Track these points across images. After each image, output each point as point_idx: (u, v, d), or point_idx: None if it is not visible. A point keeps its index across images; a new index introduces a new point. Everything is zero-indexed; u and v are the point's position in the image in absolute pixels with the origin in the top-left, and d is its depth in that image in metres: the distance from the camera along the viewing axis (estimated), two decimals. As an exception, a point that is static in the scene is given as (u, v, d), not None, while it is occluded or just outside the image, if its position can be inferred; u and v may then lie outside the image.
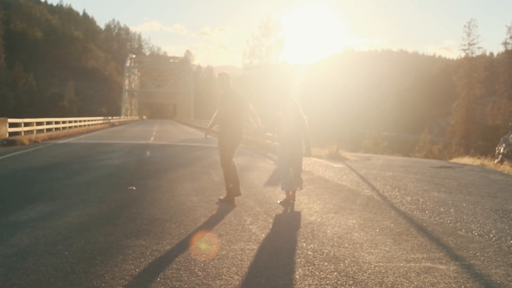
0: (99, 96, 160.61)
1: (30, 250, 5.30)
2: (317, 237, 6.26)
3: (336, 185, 11.65)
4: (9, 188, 9.61)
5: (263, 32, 61.64)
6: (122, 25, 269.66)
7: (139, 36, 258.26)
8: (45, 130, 31.80)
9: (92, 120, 52.21)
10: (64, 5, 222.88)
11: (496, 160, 26.82)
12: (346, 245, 5.94)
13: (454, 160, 30.15)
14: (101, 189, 9.64)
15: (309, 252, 5.54)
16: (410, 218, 7.86)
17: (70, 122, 40.55)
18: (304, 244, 5.90)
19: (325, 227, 6.92)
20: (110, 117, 69.74)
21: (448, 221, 7.76)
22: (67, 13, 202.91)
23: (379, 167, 17.31)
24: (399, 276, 4.80)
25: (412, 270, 5.01)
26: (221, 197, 8.79)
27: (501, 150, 28.08)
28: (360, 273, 4.86)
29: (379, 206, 8.93)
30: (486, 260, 5.52)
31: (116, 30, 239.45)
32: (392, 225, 7.25)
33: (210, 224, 6.81)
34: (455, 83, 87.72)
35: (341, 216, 7.76)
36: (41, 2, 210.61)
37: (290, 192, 9.05)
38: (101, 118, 61.06)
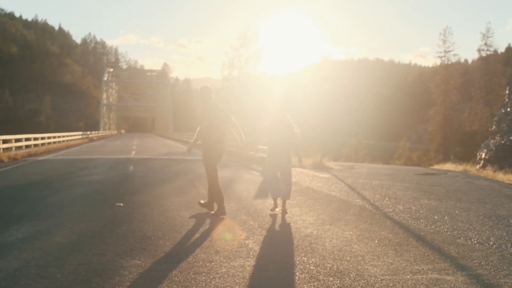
0: (76, 111, 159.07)
1: (21, 274, 5.05)
2: (317, 251, 6.10)
3: (326, 196, 11.51)
4: (-8, 208, 9.30)
5: (241, 43, 61.72)
6: (98, 39, 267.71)
7: (116, 50, 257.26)
8: (24, 147, 31.24)
9: (70, 136, 51.55)
10: (39, 20, 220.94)
11: (478, 166, 26.99)
12: (348, 258, 5.78)
13: (436, 166, 30.27)
14: (87, 207, 9.38)
15: (311, 267, 5.37)
16: (406, 228, 7.74)
17: (49, 138, 39.99)
18: (305, 258, 5.73)
19: (322, 239, 6.76)
20: (88, 132, 69.05)
21: (445, 230, 7.66)
22: (43, 28, 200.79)
23: (365, 176, 17.23)
24: (408, 290, 4.65)
25: (420, 283, 4.86)
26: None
27: (483, 156, 28.28)
28: (368, 287, 4.71)
29: (372, 216, 8.81)
30: (492, 270, 5.40)
31: (93, 44, 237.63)
32: (390, 235, 7.12)
33: (205, 240, 6.61)
34: (431, 90, 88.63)
35: (337, 228, 7.61)
36: (16, 17, 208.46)
37: (278, 200, 9.07)
38: (80, 133, 60.43)
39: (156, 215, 8.48)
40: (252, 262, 5.55)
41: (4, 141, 27.13)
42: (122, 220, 7.96)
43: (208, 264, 5.42)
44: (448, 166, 27.15)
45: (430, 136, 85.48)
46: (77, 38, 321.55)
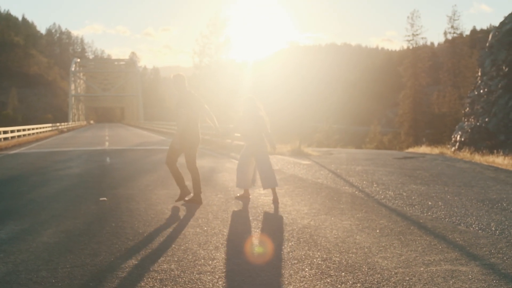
0: (44, 103, 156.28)
1: (11, 279, 4.70)
2: (320, 243, 5.86)
3: (314, 183, 11.30)
4: (-31, 206, 8.86)
5: (211, 30, 60.86)
6: (63, 29, 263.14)
7: (82, 40, 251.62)
8: (-7, 141, 30.49)
9: (40, 128, 50.56)
10: (2, 10, 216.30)
11: (453, 148, 27.13)
12: (354, 250, 5.56)
13: (411, 149, 30.42)
14: (70, 202, 8.98)
15: (319, 261, 5.13)
16: (403, 215, 7.56)
17: (18, 131, 39.11)
18: (310, 252, 5.48)
19: (323, 230, 6.53)
20: (58, 124, 67.84)
21: (442, 216, 7.51)
22: (6, 19, 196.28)
23: (346, 162, 17.10)
24: (426, 283, 4.44)
25: (437, 275, 4.66)
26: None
27: (458, 138, 28.43)
28: (384, 282, 4.48)
29: (366, 203, 8.62)
30: (505, 258, 5.23)
31: (58, 35, 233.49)
32: (390, 224, 6.93)
33: (201, 236, 6.30)
34: (400, 74, 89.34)
35: (333, 217, 7.39)
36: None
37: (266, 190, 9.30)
38: (50, 125, 59.29)
39: (144, 209, 8.16)
40: (256, 258, 5.29)
41: (-27, 136, 26.37)
42: (109, 216, 7.62)
43: (210, 262, 5.14)
44: (424, 149, 27.27)
45: (400, 120, 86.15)
46: (42, 28, 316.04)
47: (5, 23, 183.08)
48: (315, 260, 5.18)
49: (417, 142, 62.99)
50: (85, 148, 25.74)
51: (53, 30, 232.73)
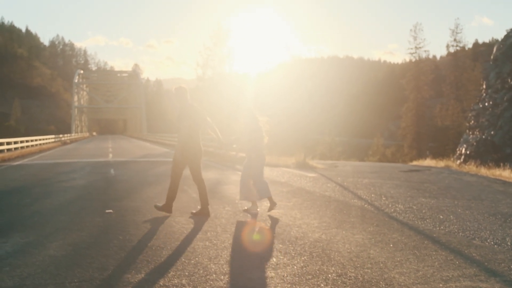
0: (47, 114, 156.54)
1: (18, 294, 4.58)
2: (333, 258, 5.71)
3: (322, 196, 11.16)
4: (-27, 218, 8.72)
5: (215, 42, 61.11)
6: (66, 40, 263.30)
7: (85, 51, 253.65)
8: (-3, 152, 30.40)
9: (43, 139, 50.53)
10: (5, 22, 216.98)
11: (458, 161, 26.96)
12: (369, 265, 5.41)
13: (416, 163, 30.26)
14: (76, 214, 8.85)
15: (334, 277, 4.97)
16: (416, 229, 7.42)
17: (21, 142, 39.05)
18: (324, 267, 5.33)
19: (335, 244, 6.38)
20: (61, 135, 67.88)
21: (455, 230, 7.36)
22: (9, 31, 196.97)
23: (352, 175, 16.96)
24: (448, 301, 4.30)
25: (457, 292, 4.52)
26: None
27: (463, 151, 28.28)
28: (404, 300, 4.34)
29: (376, 217, 8.47)
30: (526, 274, 5.09)
31: (61, 46, 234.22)
32: (403, 238, 6.78)
33: (211, 250, 6.15)
34: (402, 86, 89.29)
35: (344, 231, 7.24)
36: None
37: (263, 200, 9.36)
38: (53, 136, 59.34)
39: (151, 222, 8.03)
40: (270, 273, 5.13)
41: (-24, 147, 26.28)
42: (116, 229, 7.48)
43: (222, 277, 4.99)
44: (429, 162, 27.12)
45: (403, 132, 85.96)
46: (45, 40, 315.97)
47: (8, 35, 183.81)
48: (330, 275, 5.03)
49: (421, 155, 62.82)
50: (89, 159, 25.64)
51: (57, 42, 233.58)
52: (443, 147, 70.59)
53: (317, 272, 5.16)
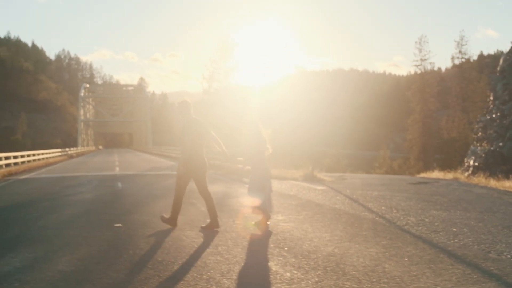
0: (53, 128, 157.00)
1: (28, 311, 4.48)
2: (348, 272, 5.59)
3: (331, 209, 11.04)
4: (-19, 233, 8.64)
5: (220, 56, 61.23)
6: (72, 54, 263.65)
7: (90, 65, 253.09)
8: (4, 166, 30.37)
9: (50, 153, 50.59)
10: (12, 37, 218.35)
11: (467, 173, 26.76)
12: (385, 279, 5.29)
13: (423, 175, 30.04)
14: (84, 228, 8.76)
15: (351, 292, 4.87)
16: (430, 242, 7.29)
17: (28, 156, 39.10)
18: (340, 282, 5.21)
19: (349, 258, 6.25)
20: (67, 149, 68.00)
21: (470, 243, 7.23)
22: (15, 45, 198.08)
23: (360, 187, 16.82)
24: (469, 317, 4.18)
25: (479, 308, 4.40)
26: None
27: (471, 163, 28.09)
28: (424, 316, 4.22)
29: (389, 230, 8.34)
30: (547, 289, 4.96)
31: (67, 60, 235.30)
32: (417, 251, 6.65)
33: (222, 265, 6.04)
34: (408, 99, 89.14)
35: (357, 245, 7.12)
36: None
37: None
38: (59, 150, 59.43)
39: (160, 236, 7.93)
40: (284, 288, 5.03)
41: (-17, 161, 26.29)
42: (125, 243, 7.39)
43: (236, 293, 4.89)
44: (437, 174, 26.92)
45: (410, 144, 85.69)
46: (51, 54, 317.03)
47: (14, 49, 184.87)
48: (346, 291, 4.92)
49: (427, 167, 62.53)
50: (96, 173, 25.59)
51: (62, 56, 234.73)
52: (449, 159, 70.29)
53: (333, 287, 5.05)
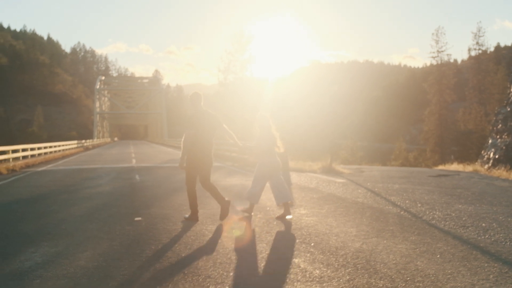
0: (68, 120, 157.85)
1: (51, 309, 4.32)
2: (380, 270, 5.38)
3: (354, 203, 10.82)
4: (0, 226, 8.51)
5: (236, 48, 60.94)
6: (87, 47, 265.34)
7: (106, 58, 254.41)
8: (21, 158, 30.43)
9: (66, 145, 50.73)
10: (27, 30, 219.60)
11: (487, 166, 26.37)
12: (419, 278, 5.07)
13: (441, 167, 29.71)
14: (104, 222, 8.62)
15: (386, 292, 4.67)
16: (460, 238, 7.05)
17: (45, 148, 39.19)
18: (372, 280, 5.01)
19: (378, 255, 6.04)
20: (83, 141, 68.26)
21: (502, 239, 6.99)
22: (32, 38, 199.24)
23: (380, 180, 16.56)
24: (514, 319, 3.97)
25: (523, 309, 4.18)
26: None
27: (491, 155, 27.65)
28: (466, 318, 4.02)
29: (415, 225, 8.11)
30: None
31: (82, 53, 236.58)
32: (448, 248, 6.43)
33: (248, 261, 5.87)
34: (423, 90, 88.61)
35: (385, 240, 6.91)
36: (4, 28, 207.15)
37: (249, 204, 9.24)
38: (75, 142, 59.66)
39: (182, 230, 7.77)
40: (316, 287, 4.83)
41: (1, 153, 26.32)
42: (147, 238, 7.24)
43: (266, 291, 4.71)
44: (456, 167, 26.57)
45: (426, 136, 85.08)
46: (67, 47, 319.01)
47: (30, 42, 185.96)
48: (380, 290, 4.72)
49: (443, 159, 62.02)
50: (113, 165, 25.53)
51: (78, 49, 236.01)
52: (466, 151, 69.69)
53: (366, 286, 4.85)
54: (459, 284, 4.86)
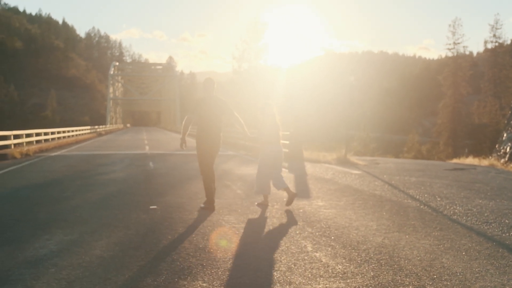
0: (82, 105, 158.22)
1: (67, 300, 4.19)
2: (405, 267, 5.19)
3: (372, 195, 10.62)
4: (14, 212, 8.39)
5: (251, 36, 60.59)
6: (102, 33, 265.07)
7: (120, 44, 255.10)
8: (34, 142, 30.45)
9: (79, 130, 50.80)
10: (43, 14, 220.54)
11: (503, 160, 26.05)
12: (447, 276, 4.89)
13: (456, 160, 29.40)
14: (119, 210, 8.49)
15: (412, 290, 4.49)
16: (484, 235, 6.85)
17: (58, 133, 39.22)
18: (398, 278, 4.83)
19: (402, 251, 5.85)
20: (96, 126, 68.38)
21: (528, 237, 6.79)
22: (47, 22, 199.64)
23: (396, 172, 16.35)
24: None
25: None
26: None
27: (507, 149, 27.32)
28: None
29: (437, 220, 7.91)
30: None
31: (97, 38, 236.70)
32: (473, 245, 6.23)
33: (268, 254, 5.69)
34: (438, 83, 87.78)
35: (407, 235, 6.72)
36: (19, 12, 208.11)
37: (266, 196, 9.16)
38: (88, 127, 59.77)
39: (199, 220, 7.62)
40: (340, 284, 4.65)
41: (15, 137, 26.31)
42: (163, 227, 7.10)
43: (288, 287, 4.54)
44: (471, 161, 26.27)
45: (439, 129, 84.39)
46: (81, 32, 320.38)
47: (46, 26, 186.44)
48: (406, 288, 4.55)
49: (456, 153, 61.51)
50: (126, 151, 25.46)
51: (92, 34, 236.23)
52: (480, 145, 69.08)
53: (392, 283, 4.67)
54: (488, 284, 4.68)
